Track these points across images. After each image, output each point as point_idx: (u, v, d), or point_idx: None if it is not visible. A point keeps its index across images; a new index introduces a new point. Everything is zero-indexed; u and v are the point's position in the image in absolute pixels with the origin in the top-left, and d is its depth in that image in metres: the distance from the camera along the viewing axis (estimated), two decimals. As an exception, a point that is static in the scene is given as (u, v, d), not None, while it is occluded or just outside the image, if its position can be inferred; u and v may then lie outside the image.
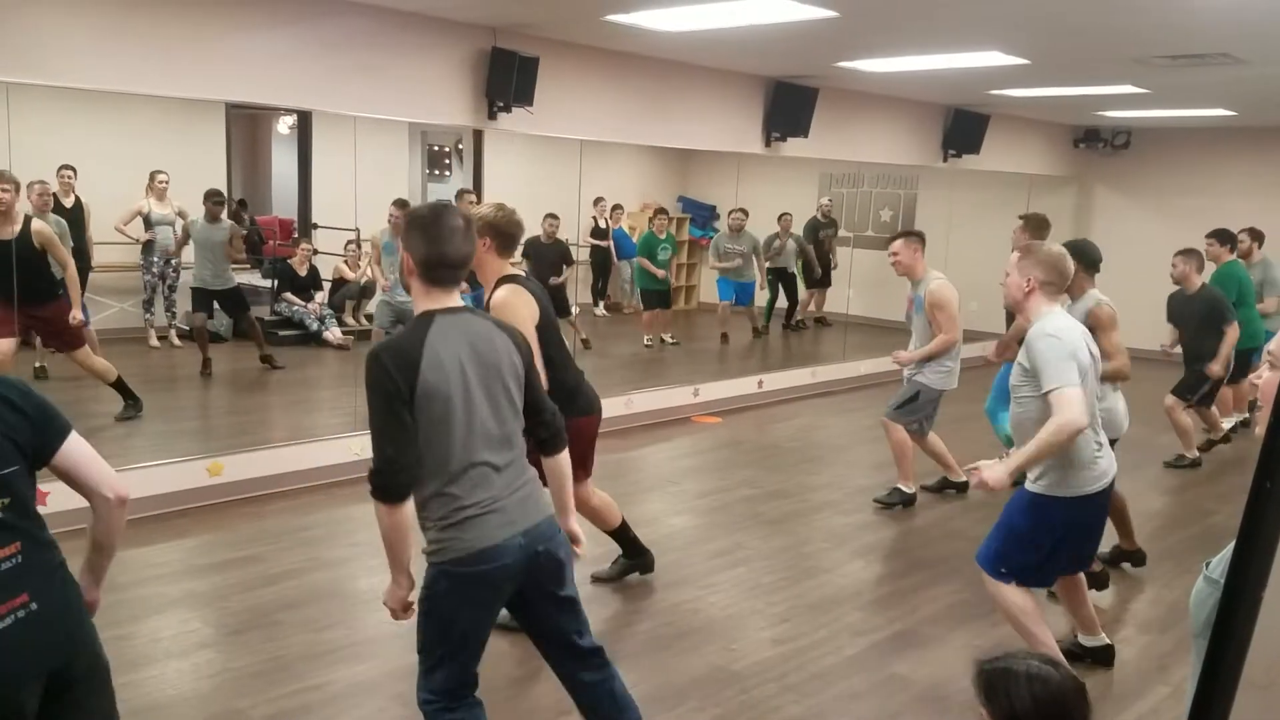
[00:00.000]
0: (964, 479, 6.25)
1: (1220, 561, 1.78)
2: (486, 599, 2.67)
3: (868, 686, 3.91)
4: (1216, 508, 6.45)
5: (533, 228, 10.23)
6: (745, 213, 11.29)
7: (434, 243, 2.61)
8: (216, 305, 8.81)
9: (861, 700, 3.80)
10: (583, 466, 4.32)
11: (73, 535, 5.11)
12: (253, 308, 10.75)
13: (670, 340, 11.30)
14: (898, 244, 5.98)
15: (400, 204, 8.33)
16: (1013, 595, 3.74)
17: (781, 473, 7.01)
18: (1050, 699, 2.30)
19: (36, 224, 6.43)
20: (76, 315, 6.51)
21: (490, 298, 3.92)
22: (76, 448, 2.34)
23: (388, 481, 2.51)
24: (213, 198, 8.61)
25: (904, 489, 6.19)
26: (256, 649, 3.99)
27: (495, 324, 2.76)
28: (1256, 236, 8.52)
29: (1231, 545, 1.29)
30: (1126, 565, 5.24)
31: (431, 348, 2.54)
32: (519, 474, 2.72)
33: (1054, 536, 3.65)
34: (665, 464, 7.39)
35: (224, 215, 8.75)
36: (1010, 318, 6.51)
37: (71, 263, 6.58)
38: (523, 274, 4.16)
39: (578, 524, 3.05)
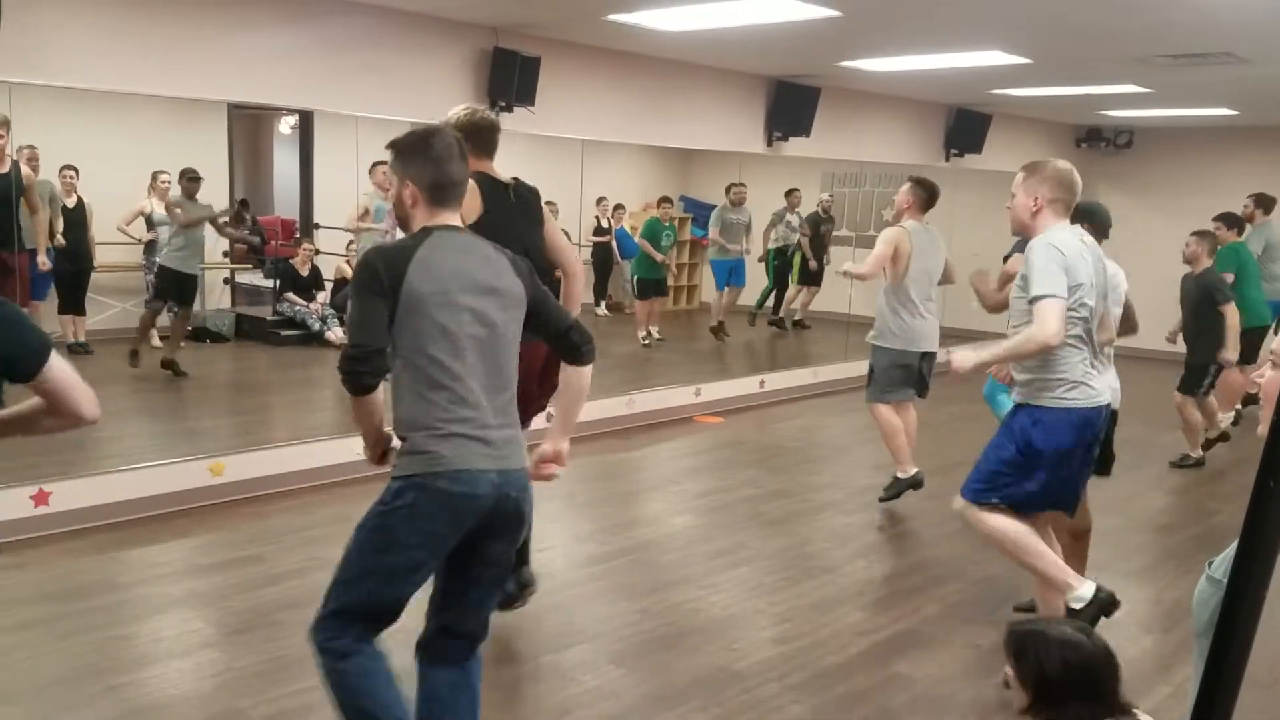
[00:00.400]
0: (914, 473, 6.00)
1: (1223, 561, 1.78)
2: (444, 528, 2.52)
3: (870, 686, 3.90)
4: (1219, 507, 6.44)
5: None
6: (743, 185, 11.31)
7: (438, 163, 2.59)
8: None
9: (863, 700, 3.79)
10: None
11: (74, 535, 5.13)
12: (255, 307, 10.79)
13: (657, 336, 11.21)
14: (904, 187, 5.90)
15: (379, 164, 8.14)
16: (995, 520, 3.63)
17: (783, 473, 7.00)
18: (1080, 665, 2.31)
19: (25, 169, 6.47)
20: (43, 260, 6.51)
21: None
22: (58, 374, 2.25)
23: (357, 368, 2.49)
24: (187, 175, 8.42)
25: (900, 475, 6.01)
26: (258, 649, 3.99)
27: (495, 247, 2.69)
28: (1262, 203, 8.50)
29: (1234, 545, 1.29)
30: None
31: (424, 254, 2.51)
32: (508, 411, 2.64)
33: (1034, 449, 3.56)
34: (667, 464, 7.39)
35: (197, 192, 8.52)
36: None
37: (42, 210, 6.61)
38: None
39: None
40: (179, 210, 8.34)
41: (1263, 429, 1.66)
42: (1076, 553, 4.49)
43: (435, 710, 2.73)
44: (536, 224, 3.79)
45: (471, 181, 3.56)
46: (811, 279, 12.52)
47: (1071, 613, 3.65)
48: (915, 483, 6.02)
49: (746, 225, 11.42)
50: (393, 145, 2.69)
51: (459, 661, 2.76)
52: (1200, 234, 7.02)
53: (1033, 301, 3.41)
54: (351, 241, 10.35)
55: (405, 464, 2.54)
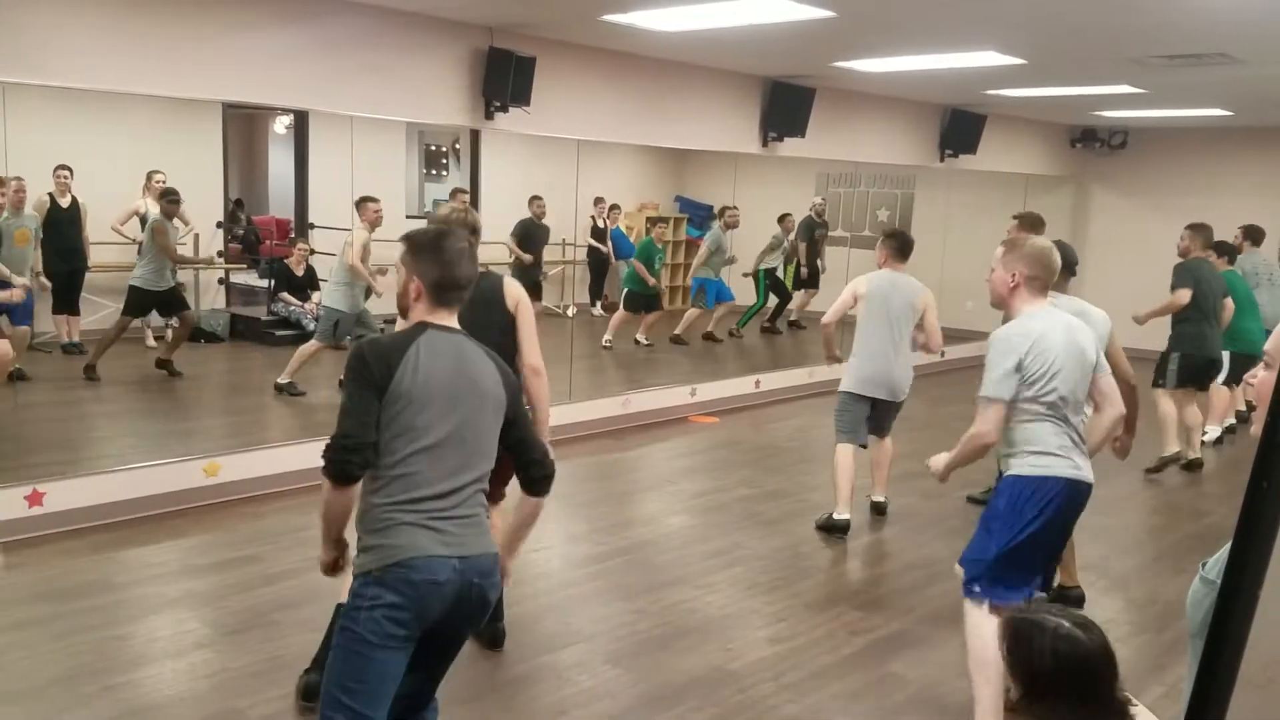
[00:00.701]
0: (845, 517, 5.74)
1: (1217, 561, 1.78)
2: (408, 615, 2.48)
3: (864, 685, 3.91)
4: (1213, 507, 6.46)
5: (522, 211, 10.44)
6: (738, 210, 11.42)
7: (446, 266, 2.61)
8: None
9: (858, 699, 3.80)
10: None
11: (69, 536, 5.12)
12: (250, 307, 10.78)
13: (644, 341, 11.17)
14: (878, 243, 5.91)
15: (370, 200, 8.08)
16: (985, 628, 3.49)
17: (778, 473, 7.01)
18: (1073, 659, 2.26)
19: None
20: (17, 292, 6.39)
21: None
22: None
23: (341, 457, 2.46)
24: (168, 197, 8.25)
25: (836, 515, 5.70)
26: (254, 649, 3.99)
27: (486, 353, 2.71)
28: (1250, 235, 8.51)
29: (1228, 545, 1.30)
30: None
31: (416, 352, 2.54)
32: (474, 503, 2.63)
33: (1023, 518, 3.56)
34: (662, 464, 7.39)
35: (177, 214, 8.37)
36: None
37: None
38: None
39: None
40: (161, 236, 8.23)
41: (1256, 429, 1.67)
42: (1063, 558, 4.48)
43: None
44: (500, 308, 3.87)
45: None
46: (809, 282, 12.53)
47: None
48: (840, 527, 5.68)
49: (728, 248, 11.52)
50: (407, 239, 2.74)
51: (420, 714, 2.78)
52: (1195, 227, 7.03)
53: (978, 399, 3.47)
54: (346, 243, 10.34)
55: (362, 561, 2.53)
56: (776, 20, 6.01)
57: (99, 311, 9.27)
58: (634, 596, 4.67)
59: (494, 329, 3.78)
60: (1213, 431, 8.06)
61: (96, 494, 5.34)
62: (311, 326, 10.22)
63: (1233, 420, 8.31)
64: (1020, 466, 3.56)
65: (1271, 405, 1.19)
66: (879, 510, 6.05)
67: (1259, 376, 1.80)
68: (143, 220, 9.04)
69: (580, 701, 3.68)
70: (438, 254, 2.63)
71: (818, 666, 4.04)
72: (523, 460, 2.77)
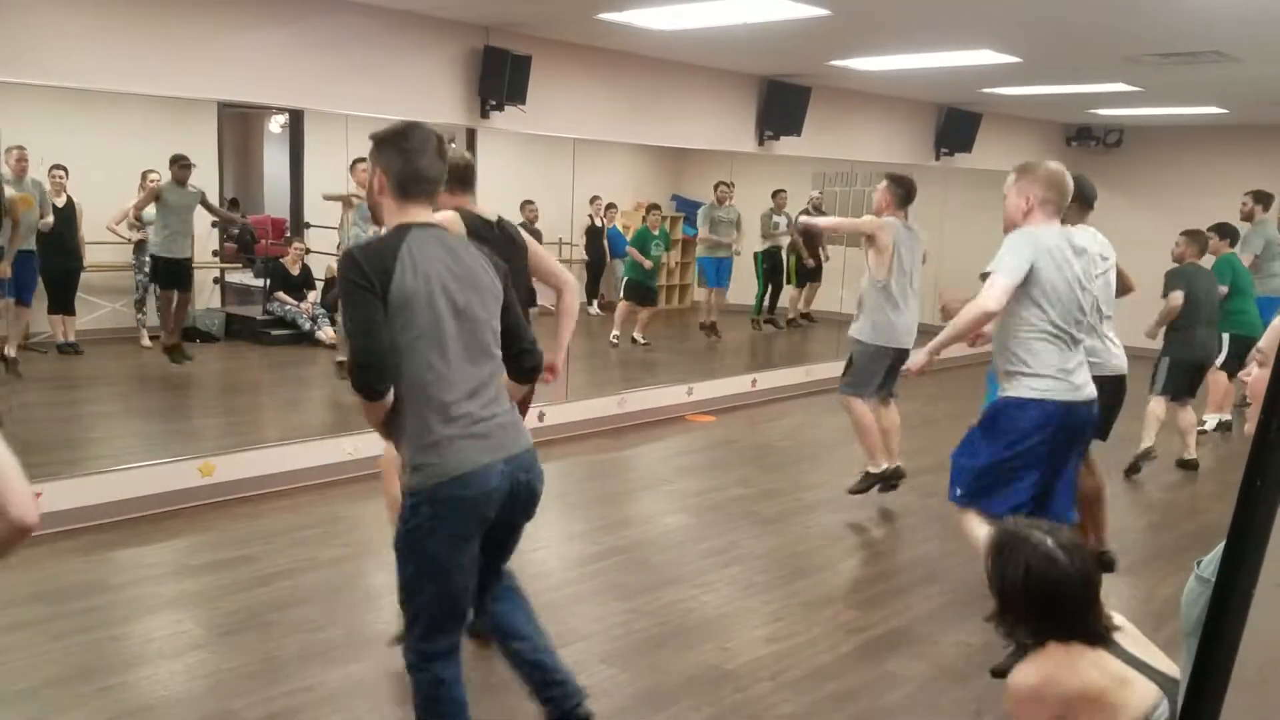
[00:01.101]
0: (884, 467, 6.00)
1: (1211, 560, 1.78)
2: (468, 527, 2.61)
3: (861, 684, 3.91)
4: (1209, 506, 6.46)
5: (513, 219, 10.31)
6: (730, 184, 11.40)
7: (409, 156, 2.60)
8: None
9: (855, 698, 3.80)
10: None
11: (67, 535, 5.11)
12: (245, 307, 10.77)
13: (642, 340, 11.18)
14: (881, 184, 5.87)
15: (360, 160, 8.13)
16: (976, 527, 3.66)
17: (775, 471, 7.01)
18: (1044, 579, 2.20)
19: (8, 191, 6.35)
20: (4, 269, 6.38)
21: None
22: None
23: (369, 377, 2.50)
24: (179, 161, 8.38)
25: (871, 469, 5.99)
26: (250, 649, 3.99)
27: (469, 243, 2.72)
28: (1261, 199, 8.45)
29: (1223, 544, 1.30)
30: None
31: (408, 254, 2.51)
32: (499, 398, 2.67)
33: (1013, 439, 3.57)
34: (659, 463, 7.39)
35: (190, 179, 8.53)
36: None
37: (26, 225, 6.50)
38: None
39: None
40: (155, 194, 8.37)
41: (1250, 427, 1.67)
42: (1094, 519, 4.51)
43: (508, 627, 3.01)
44: (522, 254, 3.86)
45: (454, 214, 3.63)
46: (811, 276, 12.51)
47: None
48: (885, 477, 5.98)
49: (735, 222, 11.48)
50: (372, 136, 2.73)
51: (502, 609, 3.00)
52: (1190, 234, 7.02)
53: (983, 274, 3.46)
54: (341, 243, 10.34)
55: (411, 479, 2.58)
56: (772, 19, 6.00)
57: (95, 311, 9.26)
58: (630, 596, 4.66)
59: (521, 260, 3.79)
60: (1211, 420, 8.07)
61: (92, 494, 5.33)
62: (307, 326, 10.23)
63: (1229, 416, 8.30)
64: (1015, 388, 3.56)
65: (1265, 403, 1.19)
66: (898, 476, 6.05)
67: (1253, 374, 1.80)
68: (139, 219, 9.04)
69: (576, 701, 3.67)
70: (401, 143, 2.61)
71: (815, 665, 4.04)
72: (513, 349, 2.80)
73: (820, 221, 5.95)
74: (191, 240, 8.62)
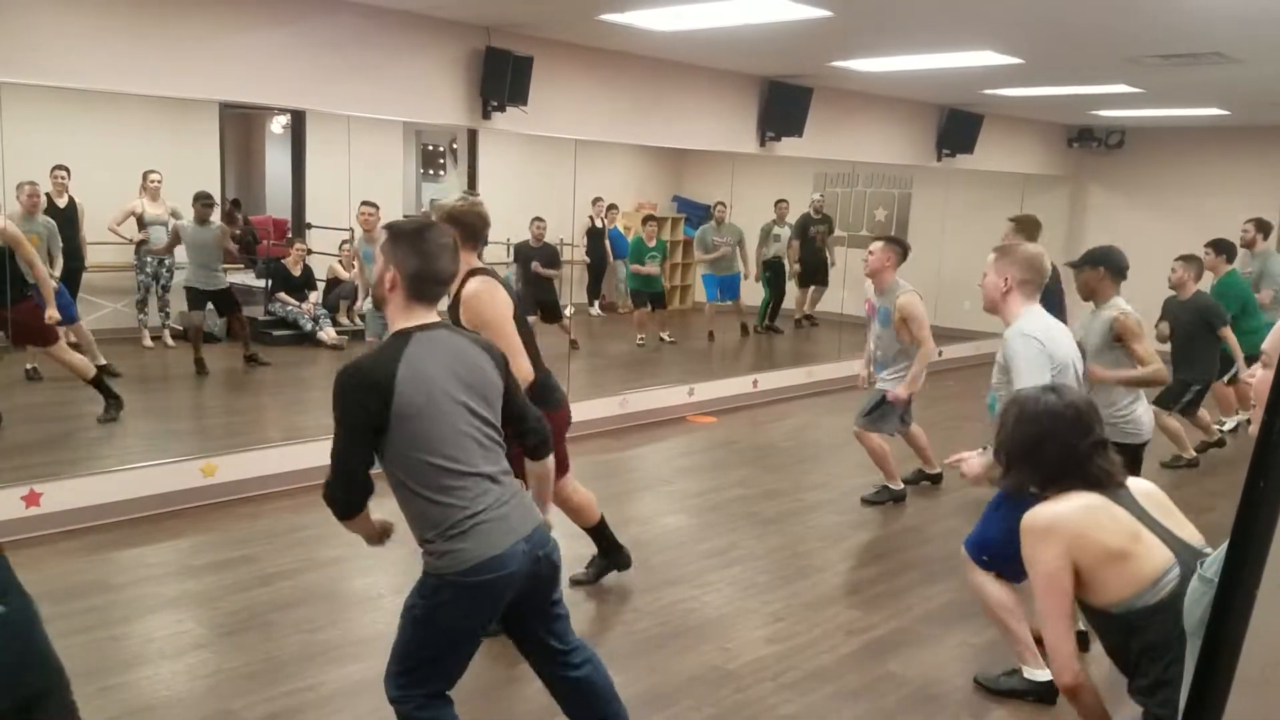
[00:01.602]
0: (938, 470, 6.45)
1: (1215, 560, 1.78)
2: (487, 609, 2.63)
3: (862, 685, 3.91)
4: (1211, 505, 6.46)
5: (523, 230, 10.26)
6: (725, 205, 11.46)
7: (425, 259, 2.57)
8: (210, 305, 8.78)
9: (856, 699, 3.80)
10: (563, 462, 4.28)
11: (69, 535, 5.12)
12: (247, 307, 10.77)
13: (668, 339, 11.30)
14: (876, 245, 5.98)
15: (369, 205, 8.17)
16: (992, 587, 3.73)
17: (776, 472, 7.01)
18: (1033, 418, 2.35)
19: (1, 222, 6.30)
20: (52, 315, 6.35)
21: (460, 290, 3.73)
22: None
23: (341, 497, 2.59)
24: (202, 199, 8.52)
25: (891, 487, 6.25)
26: (251, 649, 3.99)
27: (470, 338, 2.71)
28: (1263, 228, 8.49)
29: (1226, 544, 1.29)
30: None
31: (409, 364, 2.50)
32: (509, 479, 2.70)
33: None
34: (660, 463, 7.39)
35: (213, 216, 8.68)
36: None
37: (39, 263, 6.43)
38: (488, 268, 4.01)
39: (550, 517, 3.04)
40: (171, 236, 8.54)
41: (1254, 428, 1.67)
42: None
43: (596, 696, 2.95)
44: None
45: (494, 281, 3.76)
46: (817, 279, 12.46)
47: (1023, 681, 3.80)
48: (901, 496, 6.26)
49: (732, 244, 11.52)
50: (388, 227, 2.71)
51: (582, 672, 2.94)
52: (1186, 259, 7.00)
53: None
54: (345, 241, 10.35)
55: (435, 565, 2.59)
56: (774, 20, 6.00)
57: (97, 312, 9.25)
58: (631, 596, 4.66)
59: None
60: (1230, 420, 8.11)
61: (94, 494, 5.34)
62: (309, 327, 10.24)
63: (1246, 417, 8.32)
64: None
65: (1269, 404, 1.19)
66: (901, 499, 6.27)
67: (1257, 375, 1.80)
68: (139, 220, 9.04)
69: (578, 701, 3.67)
70: (418, 244, 2.57)
71: (815, 666, 4.04)
72: (520, 430, 2.83)
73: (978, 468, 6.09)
74: (221, 268, 8.72)
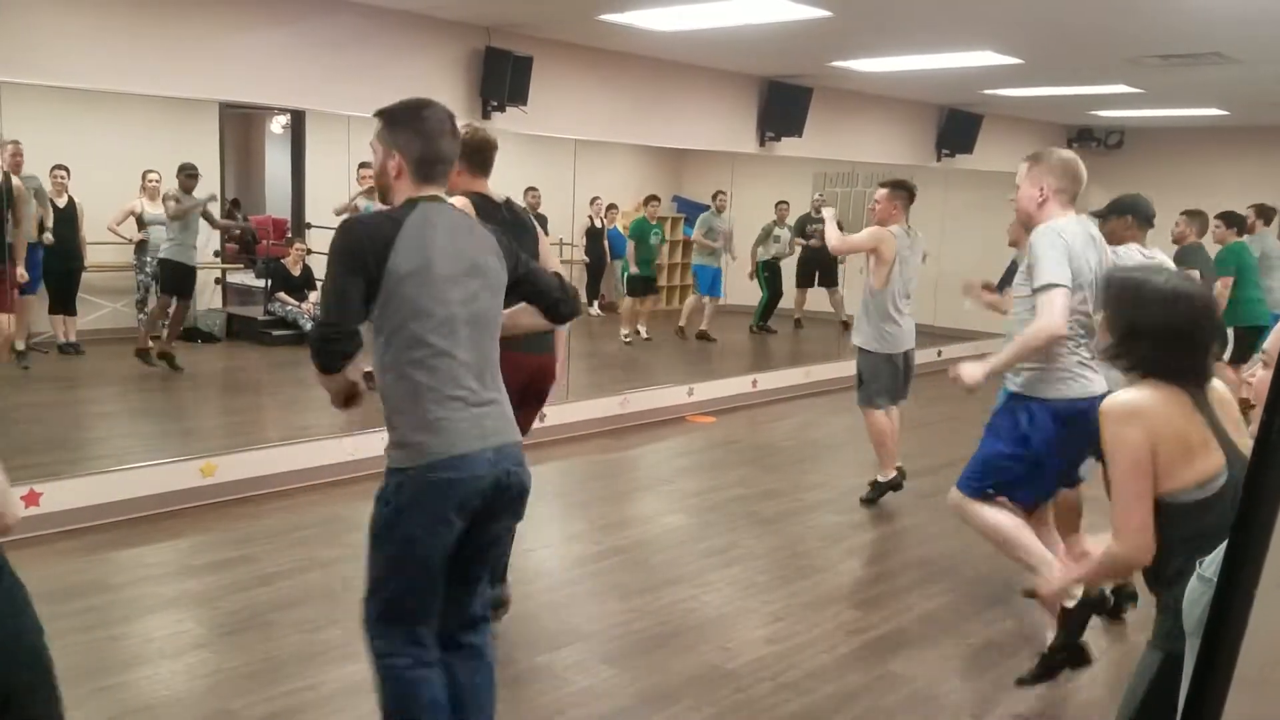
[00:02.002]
0: (893, 475, 6.09)
1: (1214, 560, 1.78)
2: (450, 514, 2.47)
3: (862, 685, 3.91)
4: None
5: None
6: (725, 193, 11.49)
7: (428, 139, 2.53)
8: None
9: (856, 699, 3.80)
10: (540, 400, 4.10)
11: (68, 535, 5.12)
12: (247, 307, 10.77)
13: (645, 336, 11.21)
14: (880, 193, 5.86)
15: (365, 165, 8.17)
16: (988, 514, 3.63)
17: (776, 472, 7.01)
18: (1172, 297, 2.36)
19: (14, 180, 6.33)
20: (22, 273, 6.40)
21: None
22: None
23: (330, 347, 2.43)
24: (185, 170, 8.41)
25: (881, 479, 6.10)
26: (250, 649, 3.99)
27: (477, 222, 2.65)
28: (1263, 214, 8.52)
29: (1225, 543, 1.30)
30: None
31: (412, 228, 2.44)
32: (494, 385, 2.59)
33: (1032, 441, 3.56)
34: (659, 463, 7.39)
35: (197, 189, 8.55)
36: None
37: (27, 219, 6.51)
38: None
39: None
40: (172, 202, 8.35)
41: (1253, 428, 1.68)
42: (1067, 523, 4.50)
43: (460, 697, 2.71)
44: (531, 239, 3.83)
45: (465, 200, 3.60)
46: (826, 281, 12.42)
47: (1066, 611, 3.67)
48: (895, 485, 6.11)
49: (728, 231, 11.55)
50: (382, 113, 2.62)
51: (474, 645, 2.75)
52: (1190, 214, 7.04)
53: (1036, 291, 3.41)
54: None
55: (398, 456, 2.48)
56: (773, 20, 6.01)
57: (96, 311, 9.26)
58: (631, 596, 4.66)
59: (529, 245, 3.75)
60: None
61: (93, 494, 5.33)
62: (308, 326, 10.23)
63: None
64: (1027, 386, 3.54)
65: (1268, 403, 1.19)
66: (898, 487, 6.12)
67: (1257, 375, 1.80)
68: (139, 220, 9.04)
69: (577, 701, 3.68)
70: (418, 124, 2.54)
71: (815, 666, 4.04)
72: (547, 302, 2.77)
73: (830, 231, 5.93)
74: (196, 251, 8.62)
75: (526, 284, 2.72)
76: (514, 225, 3.74)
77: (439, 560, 2.51)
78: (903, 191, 5.85)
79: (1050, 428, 3.58)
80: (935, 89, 9.21)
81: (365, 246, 2.41)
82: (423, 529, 2.47)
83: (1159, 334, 2.29)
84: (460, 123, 3.82)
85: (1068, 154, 3.58)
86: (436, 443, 2.45)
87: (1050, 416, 3.57)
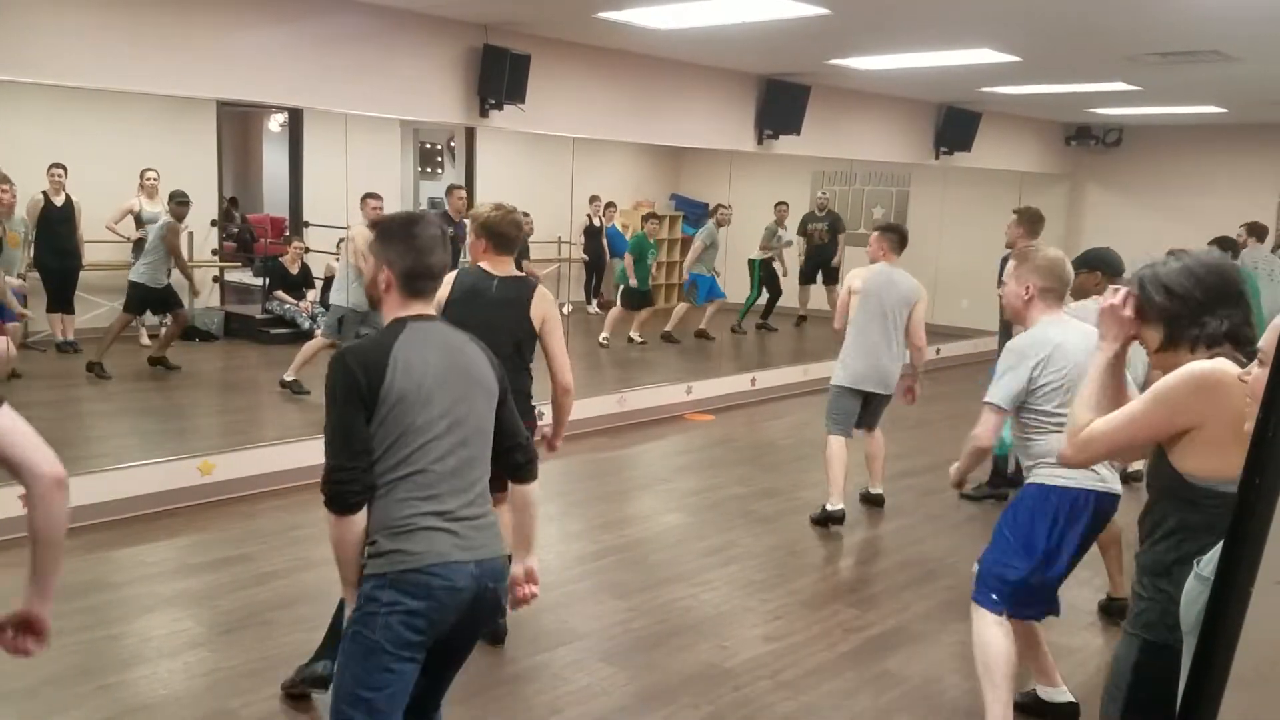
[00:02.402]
0: (840, 507, 5.84)
1: (1211, 559, 1.78)
2: (425, 626, 2.40)
3: (859, 683, 3.91)
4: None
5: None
6: (727, 207, 11.48)
7: (418, 254, 2.52)
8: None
9: (853, 697, 3.80)
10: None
11: (67, 534, 5.08)
12: (244, 305, 10.78)
13: (639, 339, 11.15)
14: (873, 235, 5.89)
15: (376, 197, 8.16)
16: (995, 634, 3.48)
17: (774, 470, 7.01)
18: (1209, 267, 2.33)
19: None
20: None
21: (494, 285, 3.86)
22: (6, 421, 1.98)
23: (340, 490, 2.39)
24: (176, 198, 8.27)
25: (829, 506, 5.76)
26: (248, 648, 3.99)
27: (470, 338, 2.63)
28: (1255, 231, 8.54)
29: (1221, 543, 1.30)
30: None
31: (402, 351, 2.43)
32: (483, 501, 2.56)
33: (1049, 531, 3.53)
34: (657, 462, 7.39)
35: (185, 216, 8.45)
36: (1007, 327, 5.74)
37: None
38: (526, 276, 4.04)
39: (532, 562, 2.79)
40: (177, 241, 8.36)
41: (1248, 426, 1.67)
42: (1112, 560, 4.62)
43: None
44: (523, 318, 3.90)
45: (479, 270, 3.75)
46: (828, 279, 12.41)
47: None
48: (836, 518, 5.75)
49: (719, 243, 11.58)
50: (375, 225, 2.64)
51: None
52: (1174, 253, 7.06)
53: (982, 403, 3.49)
54: (342, 239, 10.34)
55: (377, 564, 2.44)
56: (772, 18, 6.01)
57: (93, 310, 9.25)
58: (629, 594, 4.66)
59: (509, 336, 3.81)
60: None
61: (91, 493, 5.33)
62: (306, 325, 10.23)
63: None
64: (1044, 476, 3.53)
65: (1264, 401, 1.19)
66: (877, 502, 6.10)
67: (1253, 374, 1.80)
68: (137, 219, 9.03)
69: (576, 700, 3.68)
70: (409, 241, 2.52)
71: (813, 664, 4.04)
72: (506, 445, 2.67)
73: (837, 329, 5.95)
74: (169, 266, 8.43)
75: (500, 415, 2.65)
76: (500, 306, 3.83)
77: (406, 676, 2.46)
78: (892, 234, 5.81)
79: (1032, 512, 3.54)
80: (933, 87, 9.21)
81: (361, 379, 2.39)
82: (394, 634, 2.41)
83: (1218, 300, 2.24)
84: (493, 203, 3.89)
85: (1054, 253, 3.58)
86: (417, 551, 2.41)
87: (1034, 500, 3.55)
